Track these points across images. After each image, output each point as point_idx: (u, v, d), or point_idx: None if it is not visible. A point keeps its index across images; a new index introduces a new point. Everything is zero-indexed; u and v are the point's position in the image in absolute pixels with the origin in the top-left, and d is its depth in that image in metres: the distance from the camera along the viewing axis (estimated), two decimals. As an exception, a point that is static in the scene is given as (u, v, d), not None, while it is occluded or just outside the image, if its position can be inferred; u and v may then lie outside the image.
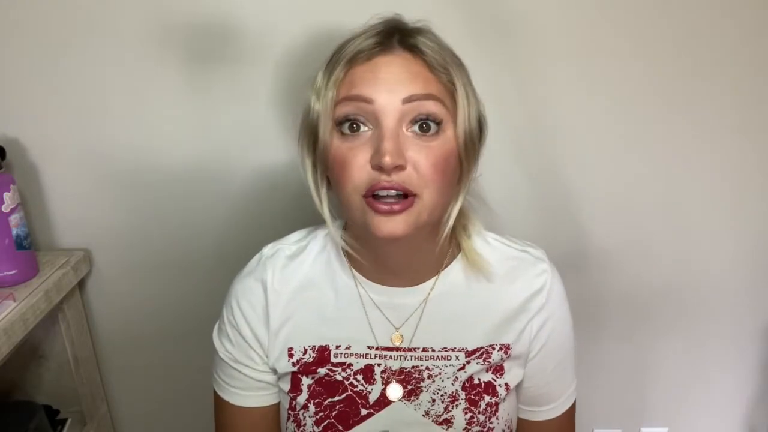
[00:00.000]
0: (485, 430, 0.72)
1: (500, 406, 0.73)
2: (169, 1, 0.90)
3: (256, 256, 0.77)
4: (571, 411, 0.80)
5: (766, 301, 1.13)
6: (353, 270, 0.74)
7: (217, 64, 0.94)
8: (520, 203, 1.03)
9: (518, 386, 0.76)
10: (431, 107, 0.62)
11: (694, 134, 0.99)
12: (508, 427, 0.75)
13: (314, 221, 0.80)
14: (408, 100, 0.61)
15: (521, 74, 0.95)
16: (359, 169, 0.62)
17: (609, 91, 0.96)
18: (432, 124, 0.62)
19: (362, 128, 0.63)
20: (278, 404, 0.77)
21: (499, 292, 0.73)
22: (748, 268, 1.10)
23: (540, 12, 0.92)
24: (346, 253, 0.73)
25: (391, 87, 0.61)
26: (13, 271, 0.92)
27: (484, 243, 0.76)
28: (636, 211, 1.05)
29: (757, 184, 1.04)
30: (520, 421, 0.79)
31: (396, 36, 0.64)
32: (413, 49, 0.64)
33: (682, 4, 0.92)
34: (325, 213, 0.70)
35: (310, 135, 0.67)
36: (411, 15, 0.68)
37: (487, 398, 0.72)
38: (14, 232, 0.91)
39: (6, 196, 0.89)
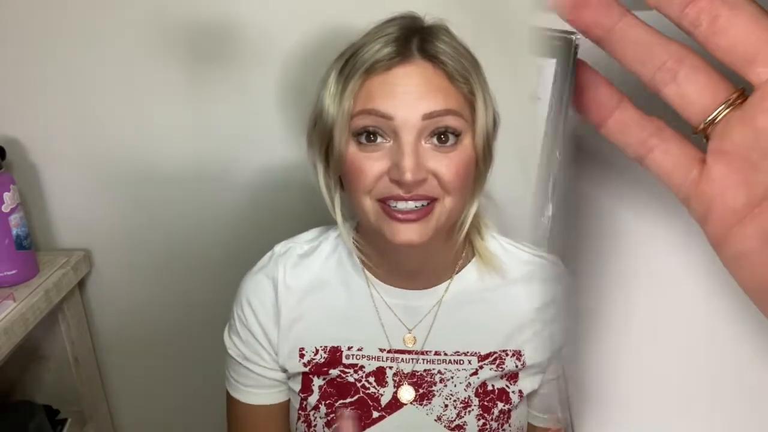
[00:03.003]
0: None
1: (512, 413, 0.72)
2: (170, 0, 0.90)
3: (268, 254, 0.76)
4: None
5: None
6: (365, 271, 0.73)
7: (218, 63, 0.93)
8: (520, 202, 1.03)
9: (531, 394, 0.74)
10: (451, 122, 0.61)
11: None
12: None
13: (318, 223, 0.79)
14: (428, 116, 0.60)
15: (521, 73, 0.95)
16: (376, 179, 0.61)
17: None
18: (451, 136, 0.62)
19: (380, 139, 0.62)
20: (288, 401, 0.76)
21: (513, 297, 0.72)
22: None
23: (541, 11, 0.92)
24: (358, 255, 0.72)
25: (410, 102, 0.60)
26: (13, 271, 0.92)
27: (498, 246, 0.75)
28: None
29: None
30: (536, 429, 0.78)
31: (414, 42, 0.62)
32: (433, 59, 0.62)
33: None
34: (338, 216, 0.69)
35: (322, 138, 0.66)
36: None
37: (500, 405, 0.71)
38: (14, 232, 0.91)
39: (6, 196, 0.89)
